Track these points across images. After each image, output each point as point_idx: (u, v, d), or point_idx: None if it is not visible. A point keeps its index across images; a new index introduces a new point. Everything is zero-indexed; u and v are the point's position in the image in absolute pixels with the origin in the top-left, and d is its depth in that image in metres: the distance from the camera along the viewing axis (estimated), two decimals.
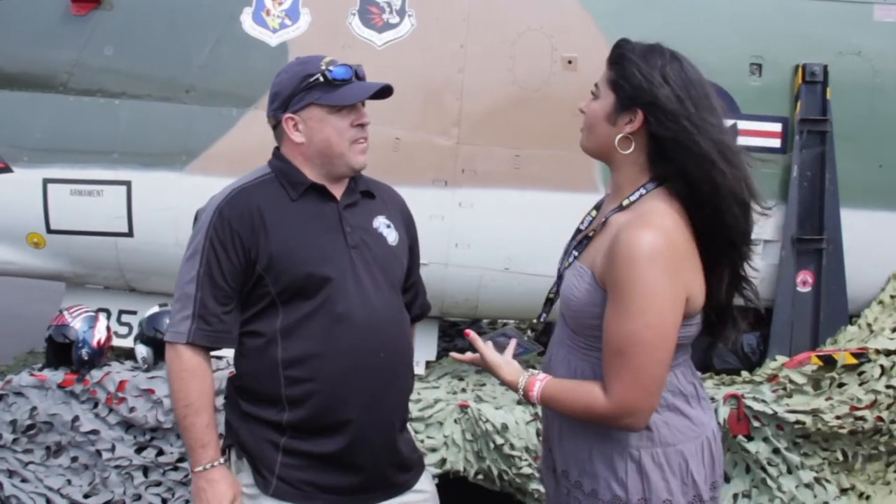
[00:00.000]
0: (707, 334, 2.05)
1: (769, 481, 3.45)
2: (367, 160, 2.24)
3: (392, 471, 2.26)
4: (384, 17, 3.79)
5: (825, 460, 3.49)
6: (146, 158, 3.77)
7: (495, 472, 3.49)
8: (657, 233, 1.81)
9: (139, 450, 3.52)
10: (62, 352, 3.60)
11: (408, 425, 2.40)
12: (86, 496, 3.52)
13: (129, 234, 3.79)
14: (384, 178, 2.48)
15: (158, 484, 3.52)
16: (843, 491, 3.49)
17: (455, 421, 3.51)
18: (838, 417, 3.40)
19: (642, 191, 1.93)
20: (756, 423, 3.46)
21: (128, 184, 3.76)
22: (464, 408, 3.52)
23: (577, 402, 1.89)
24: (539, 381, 1.96)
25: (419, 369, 3.89)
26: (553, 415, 2.04)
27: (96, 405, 3.52)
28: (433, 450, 3.47)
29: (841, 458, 3.49)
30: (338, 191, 2.24)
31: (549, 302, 2.15)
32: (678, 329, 1.84)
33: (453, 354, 2.21)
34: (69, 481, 3.53)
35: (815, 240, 3.86)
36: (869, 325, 3.82)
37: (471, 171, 3.79)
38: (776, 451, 3.46)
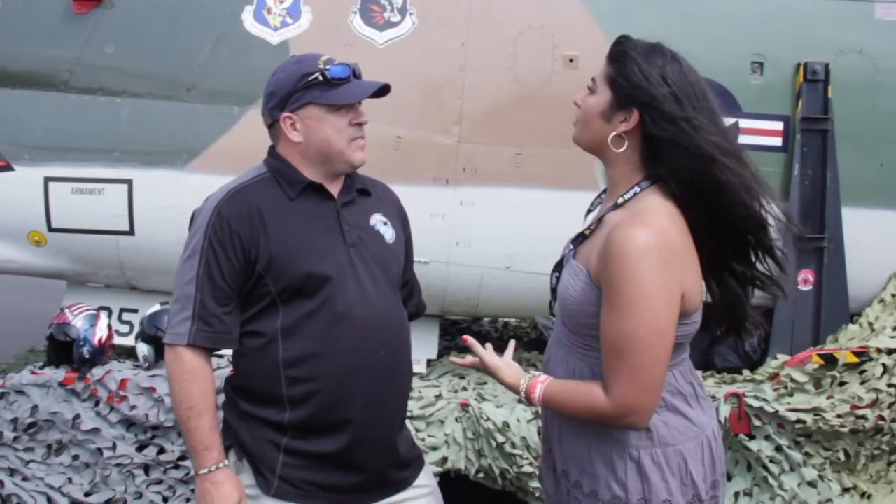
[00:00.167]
0: (724, 332, 2.05)
1: (770, 479, 3.45)
2: (366, 157, 2.23)
3: (392, 469, 2.26)
4: (385, 15, 3.79)
5: (827, 460, 3.48)
6: (147, 157, 3.77)
7: (496, 471, 3.48)
8: (650, 230, 1.80)
9: (140, 448, 3.52)
10: (63, 350, 3.60)
11: (406, 423, 2.39)
12: (87, 494, 3.52)
13: (131, 232, 3.79)
14: (385, 176, 2.47)
15: (159, 482, 3.53)
16: (845, 490, 3.48)
17: (456, 419, 3.51)
18: (839, 416, 3.40)
19: (637, 189, 1.92)
20: (757, 422, 3.45)
21: (129, 182, 3.77)
22: (465, 406, 3.51)
23: (579, 404, 1.89)
24: (540, 384, 1.95)
25: (420, 367, 3.89)
26: (553, 414, 2.04)
27: (97, 403, 3.52)
28: (434, 448, 3.46)
29: (843, 458, 3.49)
30: (335, 189, 2.24)
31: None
32: (675, 327, 1.83)
33: (454, 359, 2.19)
34: (70, 480, 3.53)
35: (816, 238, 3.86)
36: (870, 323, 3.81)
37: (472, 169, 3.79)
38: (778, 448, 3.45)
